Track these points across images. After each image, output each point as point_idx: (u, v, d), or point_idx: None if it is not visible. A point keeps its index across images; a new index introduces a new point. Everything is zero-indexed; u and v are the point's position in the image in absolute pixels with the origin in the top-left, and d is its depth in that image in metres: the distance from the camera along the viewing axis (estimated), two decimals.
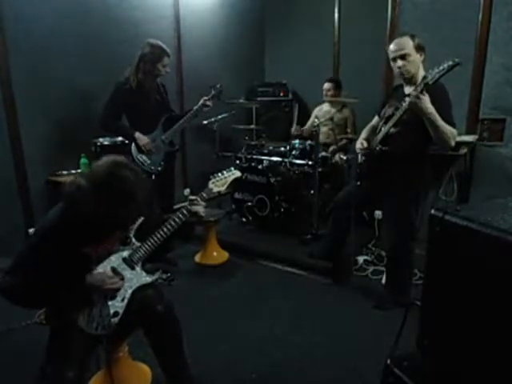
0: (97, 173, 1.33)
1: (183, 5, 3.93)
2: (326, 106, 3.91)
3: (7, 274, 1.35)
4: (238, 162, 3.89)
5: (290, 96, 4.54)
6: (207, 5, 4.24)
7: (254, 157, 3.79)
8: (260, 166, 3.59)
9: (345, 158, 3.46)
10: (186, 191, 4.19)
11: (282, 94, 4.56)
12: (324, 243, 2.88)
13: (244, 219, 3.71)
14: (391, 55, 2.21)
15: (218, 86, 2.97)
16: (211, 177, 1.84)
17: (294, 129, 3.92)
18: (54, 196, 3.06)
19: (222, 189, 1.84)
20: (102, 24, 3.26)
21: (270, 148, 3.86)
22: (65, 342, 1.40)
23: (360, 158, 2.49)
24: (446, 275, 1.03)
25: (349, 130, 3.82)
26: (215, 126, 3.87)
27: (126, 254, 1.59)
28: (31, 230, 3.00)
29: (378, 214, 3.37)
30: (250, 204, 3.60)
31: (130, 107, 2.75)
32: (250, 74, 4.82)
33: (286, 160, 3.56)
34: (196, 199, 1.73)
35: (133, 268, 1.59)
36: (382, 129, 2.31)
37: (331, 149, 3.64)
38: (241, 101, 4.21)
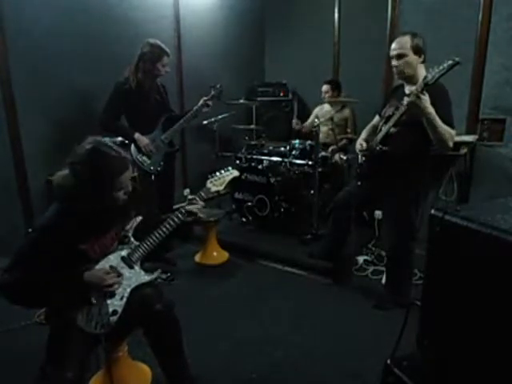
0: (78, 155, 1.43)
1: (183, 5, 3.93)
2: (326, 106, 3.91)
3: (6, 271, 1.35)
4: (237, 162, 3.89)
5: (290, 96, 4.54)
6: (207, 5, 4.24)
7: (254, 157, 3.79)
8: (260, 166, 3.59)
9: (345, 157, 3.46)
10: (186, 191, 4.19)
11: (281, 94, 4.56)
12: (324, 243, 2.88)
13: (244, 219, 3.71)
14: (390, 53, 2.23)
15: (218, 86, 2.97)
16: (209, 176, 1.85)
17: (294, 122, 3.93)
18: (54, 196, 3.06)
19: (220, 188, 1.84)
20: (101, 24, 3.26)
21: (270, 148, 3.86)
22: (64, 342, 1.40)
23: (360, 158, 2.49)
24: (445, 275, 1.03)
25: (349, 130, 3.82)
26: (215, 126, 3.87)
27: (124, 253, 1.60)
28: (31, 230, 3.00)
29: (378, 213, 3.36)
30: (249, 204, 3.60)
31: (130, 107, 2.74)
32: (249, 73, 4.82)
33: (286, 160, 3.55)
34: (194, 199, 1.74)
35: (131, 267, 1.59)
36: (383, 128, 2.31)
37: (331, 148, 3.64)
38: (241, 101, 4.21)
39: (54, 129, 3.08)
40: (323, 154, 3.51)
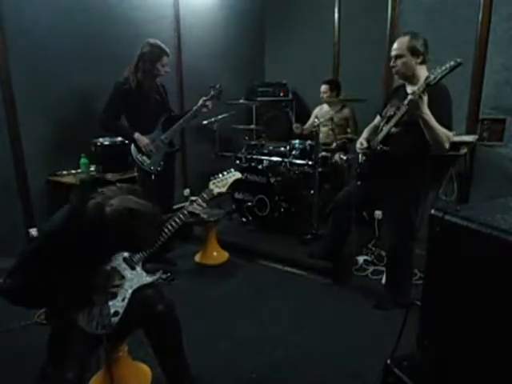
0: (118, 207, 1.27)
1: (183, 5, 3.93)
2: (326, 106, 3.91)
3: (9, 275, 1.35)
4: (238, 162, 3.88)
5: (290, 96, 4.54)
6: (207, 5, 4.24)
7: (254, 157, 3.79)
8: (260, 166, 3.59)
9: (345, 157, 3.46)
10: (186, 191, 4.19)
11: (282, 94, 4.56)
12: (324, 243, 2.88)
13: (244, 219, 3.71)
14: (391, 53, 2.24)
15: (218, 86, 2.96)
16: (212, 178, 1.85)
17: (295, 126, 3.95)
18: (54, 196, 3.06)
19: (223, 190, 1.85)
20: (101, 24, 3.27)
21: (270, 148, 3.86)
22: (65, 342, 1.40)
23: (361, 158, 2.49)
24: (446, 275, 1.03)
25: (349, 130, 3.82)
26: (215, 126, 3.87)
27: (126, 253, 1.60)
28: (31, 230, 3.01)
29: (378, 214, 3.37)
30: (249, 204, 3.60)
31: (130, 107, 2.74)
32: (249, 73, 4.82)
33: (286, 160, 3.55)
34: (197, 200, 1.74)
35: (133, 268, 1.59)
36: (384, 128, 2.31)
37: (334, 145, 3.62)
38: (241, 101, 4.21)
39: (53, 129, 3.09)
40: (323, 154, 3.51)
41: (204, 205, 1.75)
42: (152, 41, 2.69)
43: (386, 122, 2.30)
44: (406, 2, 3.33)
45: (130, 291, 1.55)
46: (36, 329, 2.20)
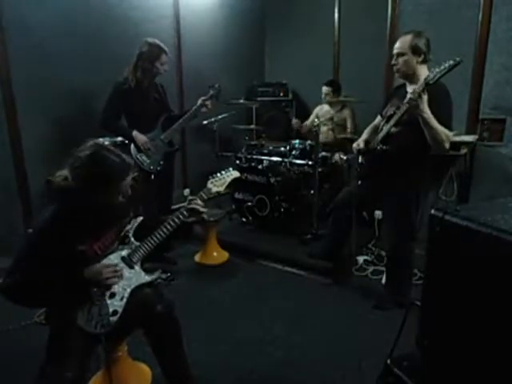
0: (79, 158, 1.43)
1: (183, 5, 3.93)
2: (326, 106, 3.91)
3: (7, 275, 1.35)
4: (237, 161, 3.88)
5: (290, 96, 4.53)
6: (207, 5, 4.24)
7: (254, 157, 3.78)
8: (260, 166, 3.58)
9: (345, 157, 3.46)
10: (186, 191, 4.19)
11: (281, 94, 4.55)
12: (324, 243, 2.88)
13: (244, 219, 3.70)
14: (393, 51, 2.25)
15: (217, 85, 2.96)
16: (210, 177, 1.85)
17: (294, 121, 3.95)
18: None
19: (221, 189, 1.85)
20: (101, 24, 3.26)
21: (270, 148, 3.85)
22: (64, 342, 1.40)
23: (361, 158, 2.49)
24: (445, 275, 1.03)
25: (349, 130, 3.82)
26: (215, 126, 3.86)
27: (124, 253, 1.60)
28: (31, 230, 3.00)
29: (378, 214, 3.36)
30: (249, 204, 3.60)
31: (130, 107, 2.74)
32: (249, 73, 4.81)
33: (286, 160, 3.55)
34: (195, 199, 1.74)
35: (132, 267, 1.59)
36: (384, 128, 2.31)
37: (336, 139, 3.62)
38: (241, 101, 4.21)
39: (53, 129, 3.08)
40: (323, 153, 3.51)
41: (202, 204, 1.75)
42: (150, 40, 2.70)
43: (386, 122, 2.30)
44: (405, 2, 3.33)
45: (128, 290, 1.54)
46: (36, 329, 2.20)
